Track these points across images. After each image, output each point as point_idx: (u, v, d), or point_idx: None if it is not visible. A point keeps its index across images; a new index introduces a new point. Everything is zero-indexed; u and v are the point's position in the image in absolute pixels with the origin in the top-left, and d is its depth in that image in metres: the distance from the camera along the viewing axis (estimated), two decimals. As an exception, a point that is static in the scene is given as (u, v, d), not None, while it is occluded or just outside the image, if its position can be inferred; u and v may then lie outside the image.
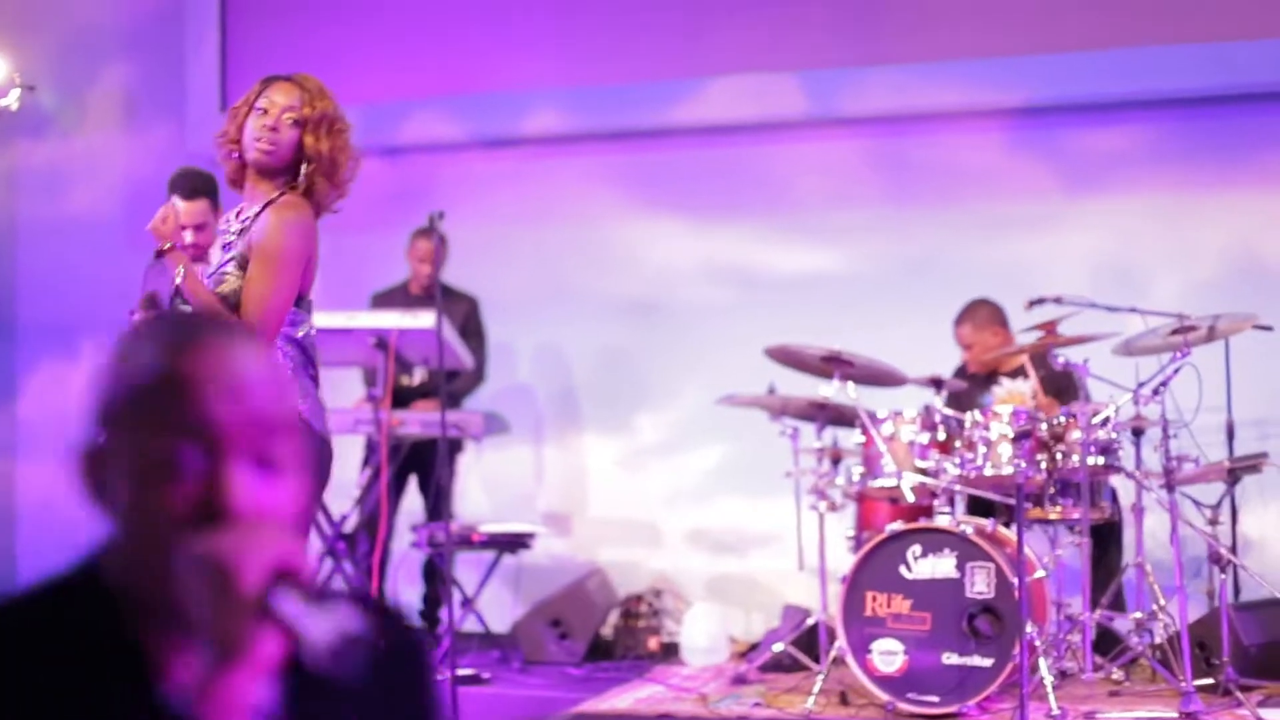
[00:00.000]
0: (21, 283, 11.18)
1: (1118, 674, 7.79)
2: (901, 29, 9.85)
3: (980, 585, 7.32)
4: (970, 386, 8.58)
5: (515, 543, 9.39)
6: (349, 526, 8.86)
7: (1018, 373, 8.54)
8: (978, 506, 8.06)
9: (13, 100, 10.41)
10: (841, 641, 7.50)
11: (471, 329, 9.71)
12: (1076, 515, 7.55)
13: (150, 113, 11.06)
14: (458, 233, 9.44)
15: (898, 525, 7.57)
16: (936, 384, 8.08)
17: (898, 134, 9.98)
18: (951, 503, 7.61)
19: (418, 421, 8.95)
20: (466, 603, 9.24)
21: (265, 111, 5.26)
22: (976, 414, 7.56)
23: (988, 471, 7.47)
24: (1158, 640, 7.69)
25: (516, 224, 10.41)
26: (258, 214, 5.22)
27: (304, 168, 5.25)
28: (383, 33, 10.59)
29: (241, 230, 5.23)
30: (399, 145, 10.38)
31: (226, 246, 5.26)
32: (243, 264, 5.16)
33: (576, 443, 10.39)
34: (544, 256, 10.43)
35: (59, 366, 10.88)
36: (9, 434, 11.05)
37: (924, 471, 7.62)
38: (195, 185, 6.85)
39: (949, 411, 7.77)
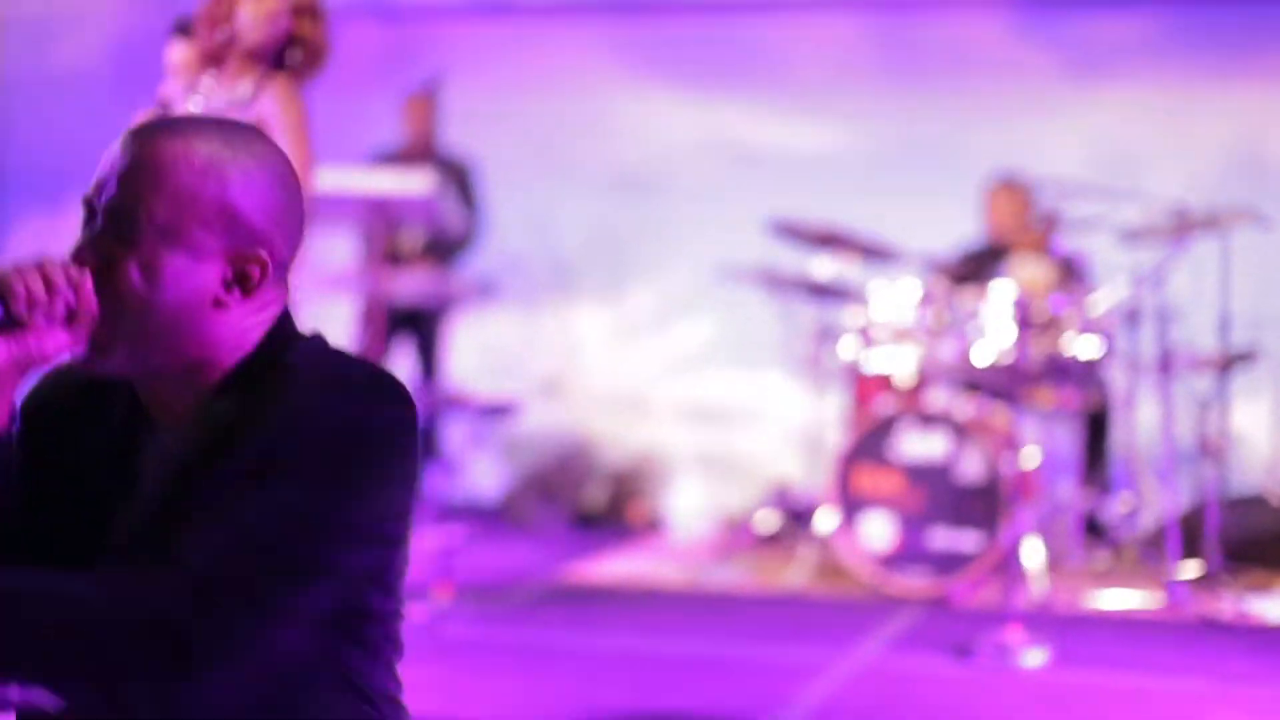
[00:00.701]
0: (9, 135, 11.08)
1: (1103, 560, 7.82)
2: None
3: (971, 466, 7.33)
4: (983, 263, 8.50)
5: (505, 410, 9.37)
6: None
7: (1027, 254, 8.49)
8: (972, 387, 8.05)
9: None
10: (831, 517, 7.51)
11: (464, 195, 9.64)
12: (1070, 401, 7.55)
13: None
14: (454, 98, 9.36)
15: (890, 404, 7.57)
16: (935, 262, 8.05)
17: (903, 13, 9.90)
18: (945, 383, 7.60)
19: (411, 285, 8.89)
20: (454, 469, 9.24)
21: None
22: (974, 295, 7.53)
23: (983, 353, 7.44)
24: (1145, 529, 7.71)
25: (514, 92, 10.32)
26: (255, 92, 5.24)
27: (295, 52, 5.33)
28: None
29: (230, 104, 5.22)
30: (398, 6, 10.29)
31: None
32: None
33: (569, 313, 10.36)
34: (541, 126, 10.36)
35: (46, 218, 10.79)
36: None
37: (919, 351, 7.60)
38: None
39: (945, 290, 7.74)
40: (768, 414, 9.56)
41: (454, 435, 9.71)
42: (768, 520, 8.38)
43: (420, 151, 9.42)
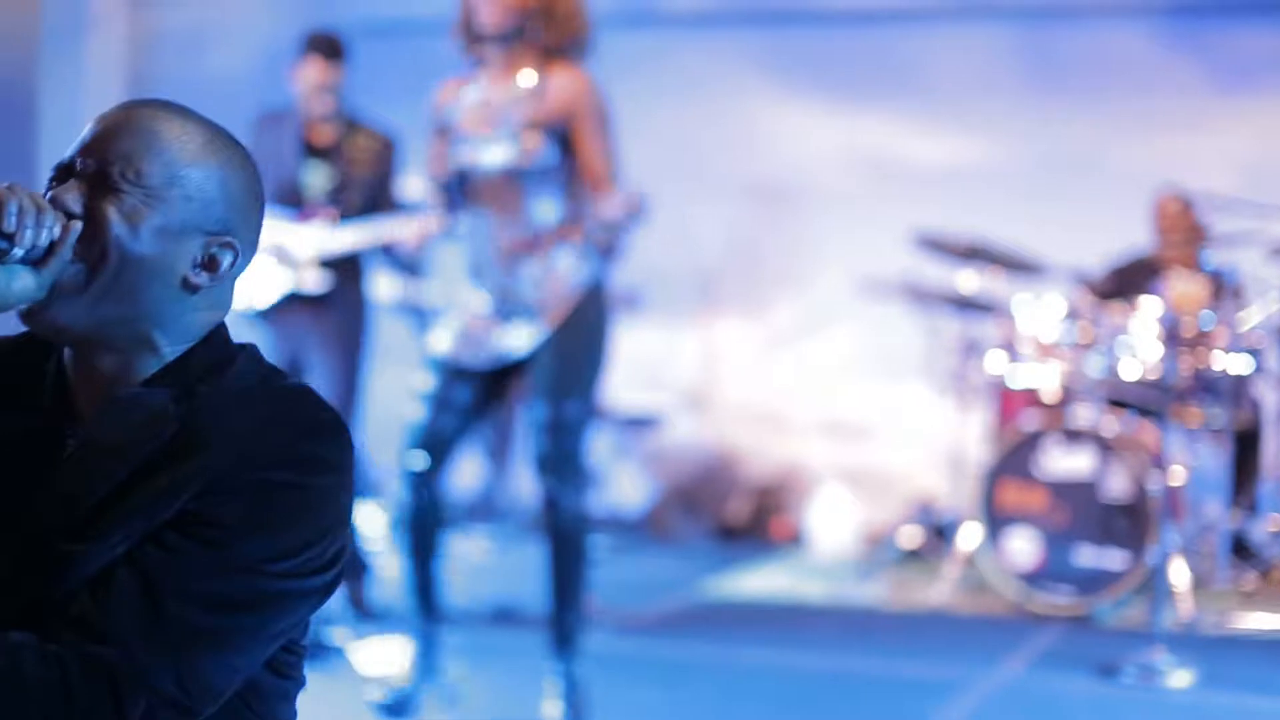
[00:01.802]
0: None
1: (1251, 581, 7.71)
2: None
3: (1117, 484, 7.25)
4: (1131, 277, 8.37)
5: (648, 422, 9.40)
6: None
7: (1177, 269, 8.37)
8: (1119, 403, 7.96)
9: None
10: (974, 534, 7.46)
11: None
12: (1218, 418, 7.45)
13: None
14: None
15: (1035, 419, 7.51)
16: (1082, 277, 7.97)
17: (1046, 24, 9.81)
18: (1091, 399, 7.51)
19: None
20: (598, 481, 9.26)
21: None
22: (1122, 309, 7.44)
23: (1130, 369, 7.35)
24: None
25: (655, 103, 10.32)
26: (540, 82, 5.32)
27: (536, 28, 5.34)
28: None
29: (517, 100, 5.30)
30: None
31: (493, 118, 5.29)
32: (529, 130, 5.26)
33: (711, 325, 10.34)
34: (683, 137, 10.35)
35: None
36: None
37: (1064, 366, 7.52)
38: (335, 47, 7.00)
39: (1092, 305, 7.65)
40: (911, 429, 9.50)
41: (598, 447, 9.73)
42: (910, 536, 8.33)
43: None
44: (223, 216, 2.25)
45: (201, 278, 2.24)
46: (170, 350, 2.25)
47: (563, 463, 5.29)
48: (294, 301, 6.92)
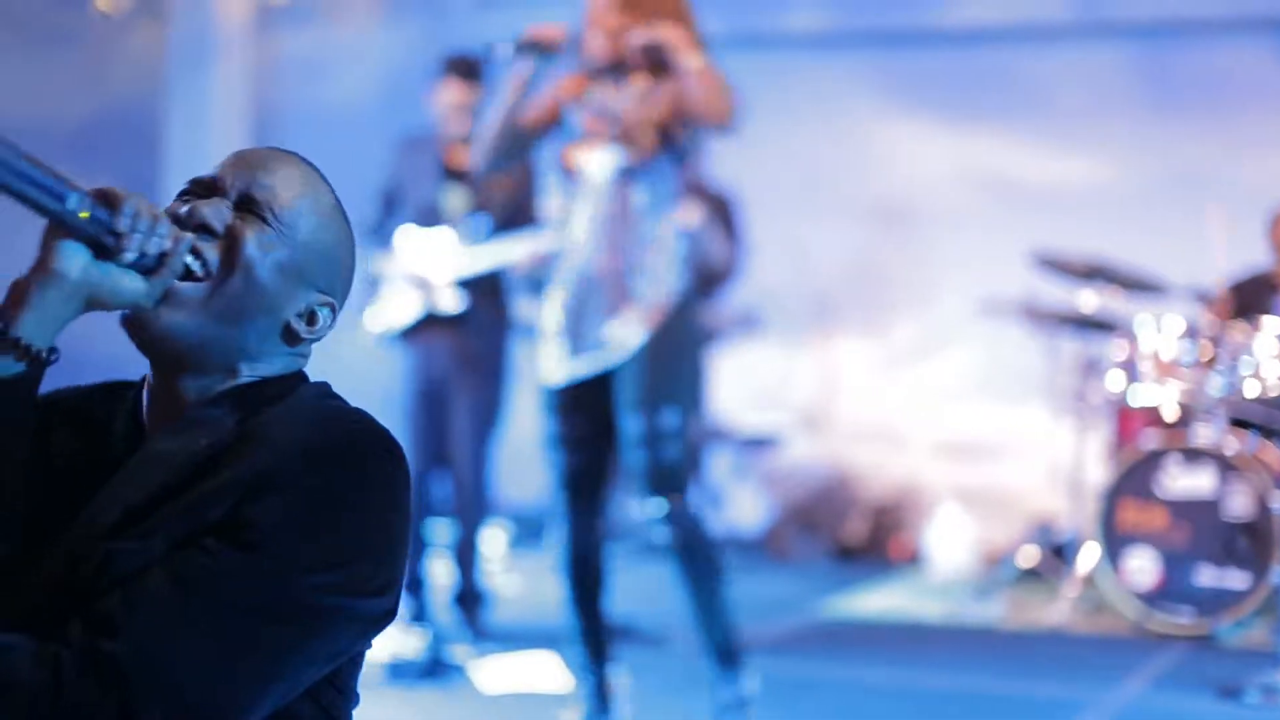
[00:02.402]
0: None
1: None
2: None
3: (1239, 503, 7.21)
4: (1252, 294, 8.31)
5: (767, 442, 9.42)
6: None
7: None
8: (1240, 422, 7.90)
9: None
10: (1093, 553, 7.43)
11: (726, 226, 9.69)
12: (1343, 437, 7.38)
13: (409, 4, 11.17)
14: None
15: (1156, 439, 7.47)
16: (1202, 296, 7.92)
17: (1165, 42, 9.76)
18: (1212, 418, 7.46)
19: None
20: (716, 501, 9.29)
21: None
22: (1243, 328, 7.39)
23: (1252, 387, 7.30)
24: None
25: (774, 123, 10.34)
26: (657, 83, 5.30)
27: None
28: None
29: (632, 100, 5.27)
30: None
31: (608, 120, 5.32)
32: (642, 129, 5.25)
33: (829, 345, 10.35)
34: (801, 157, 10.38)
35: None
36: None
37: (1185, 385, 7.47)
38: (473, 69, 7.05)
39: (1212, 323, 7.59)
40: (1030, 448, 9.46)
41: (717, 467, 9.76)
42: (1029, 555, 8.30)
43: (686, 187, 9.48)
44: (332, 278, 2.32)
45: (301, 328, 2.29)
46: (248, 379, 2.28)
47: (666, 477, 5.21)
48: (431, 323, 6.99)
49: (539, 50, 5.18)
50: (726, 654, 5.28)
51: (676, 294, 5.27)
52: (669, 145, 5.29)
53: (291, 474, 2.10)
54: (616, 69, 5.29)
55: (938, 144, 10.15)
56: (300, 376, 2.33)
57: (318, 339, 2.32)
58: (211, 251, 2.20)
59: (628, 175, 5.26)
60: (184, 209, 2.22)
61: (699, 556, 5.25)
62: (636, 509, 9.39)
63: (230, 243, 2.21)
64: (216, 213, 2.22)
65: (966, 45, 10.09)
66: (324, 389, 2.32)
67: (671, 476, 5.21)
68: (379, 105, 10.91)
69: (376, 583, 2.14)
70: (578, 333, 5.27)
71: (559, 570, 5.37)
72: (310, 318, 2.29)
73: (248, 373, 2.26)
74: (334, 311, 2.32)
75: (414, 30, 11.00)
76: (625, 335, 5.22)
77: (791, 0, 10.29)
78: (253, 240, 2.21)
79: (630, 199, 5.27)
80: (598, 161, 5.28)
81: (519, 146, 5.41)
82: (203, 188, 2.26)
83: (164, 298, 2.17)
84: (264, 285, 2.22)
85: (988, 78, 10.07)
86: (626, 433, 5.23)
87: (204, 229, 2.21)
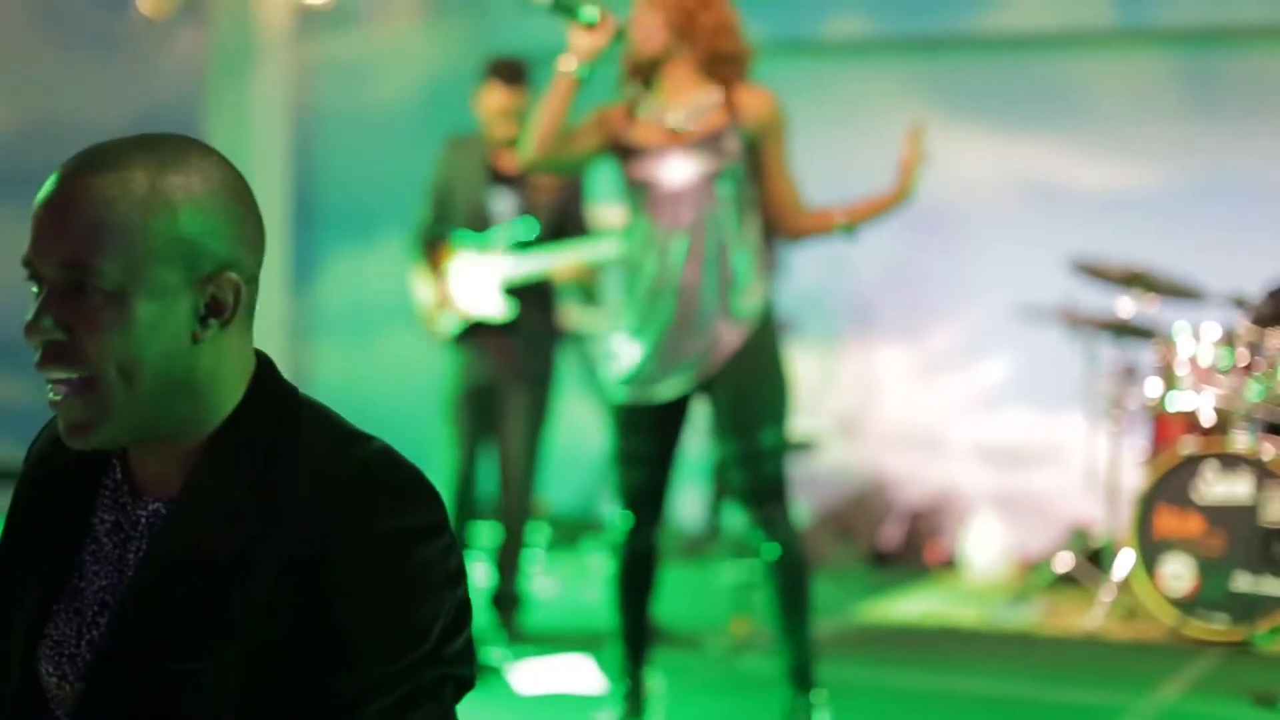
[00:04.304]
0: (323, 172, 11.41)
1: None
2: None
3: (1276, 509, 7.20)
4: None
5: (804, 447, 9.42)
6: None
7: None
8: (1276, 429, 7.89)
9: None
10: (1130, 559, 7.43)
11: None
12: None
13: (451, 6, 11.19)
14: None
15: (1192, 445, 7.46)
16: (1240, 302, 7.91)
17: (1208, 47, 9.73)
18: (1249, 424, 7.46)
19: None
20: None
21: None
22: (1280, 335, 7.38)
23: (1290, 394, 7.30)
24: None
25: (812, 128, 10.34)
26: (728, 96, 5.27)
27: (684, 48, 5.28)
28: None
29: (702, 111, 5.25)
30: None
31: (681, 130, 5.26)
32: (722, 139, 5.22)
33: (867, 350, 10.34)
34: (839, 161, 10.36)
35: (357, 254, 11.12)
36: (309, 318, 11.33)
37: (1222, 391, 7.46)
38: (518, 72, 7.04)
39: (1250, 330, 7.59)
40: (1067, 454, 9.44)
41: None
42: (1065, 561, 8.30)
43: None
44: (206, 254, 2.00)
45: (210, 327, 2.01)
46: (216, 411, 2.04)
47: (767, 493, 5.21)
48: (481, 329, 7.00)
49: (574, 14, 5.11)
50: (803, 673, 5.30)
51: (765, 304, 5.29)
52: (746, 150, 5.28)
53: (349, 569, 1.97)
54: (655, 64, 5.29)
55: (978, 149, 10.13)
56: (279, 396, 2.09)
57: (243, 314, 2.05)
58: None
59: (710, 181, 5.22)
60: (28, 320, 1.98)
61: (794, 572, 5.26)
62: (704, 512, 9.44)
63: (79, 353, 1.97)
64: (49, 325, 1.97)
65: (1007, 51, 10.07)
66: (324, 420, 2.10)
67: (774, 491, 5.23)
68: (421, 109, 10.95)
69: (461, 626, 2.07)
70: (665, 351, 5.21)
71: (613, 572, 5.37)
72: (213, 308, 2.01)
73: (207, 411, 2.03)
74: (236, 280, 2.02)
75: (456, 32, 11.02)
76: (719, 352, 5.20)
77: (832, 6, 10.29)
78: (97, 336, 1.96)
79: (715, 207, 5.23)
80: (674, 170, 5.23)
81: (568, 156, 5.32)
82: (30, 274, 2.00)
83: (71, 421, 2.00)
84: (146, 355, 1.97)
85: (1029, 84, 10.04)
86: (726, 452, 5.24)
87: (49, 349, 1.98)
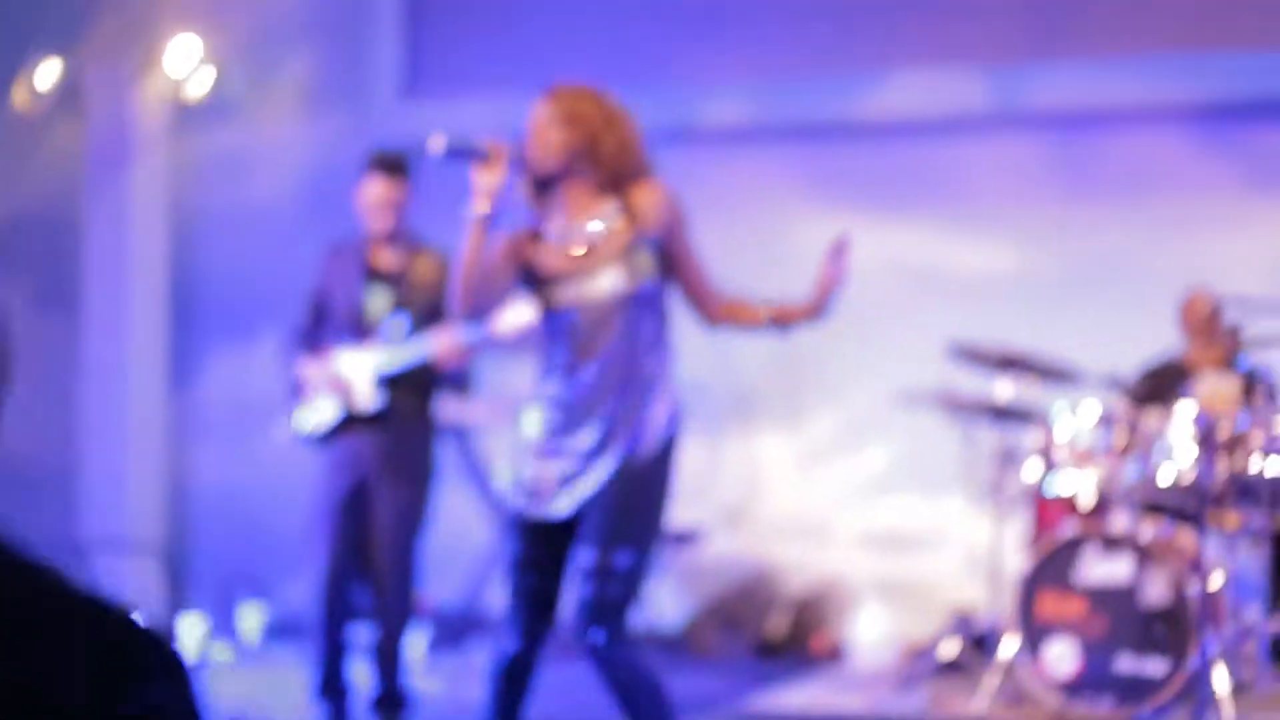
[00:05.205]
0: (202, 269, 11.30)
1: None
2: (1086, 23, 9.70)
3: (1155, 590, 7.20)
4: (1165, 381, 8.32)
5: (688, 538, 9.38)
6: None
7: (1211, 371, 8.32)
8: (1155, 509, 7.91)
9: (200, 89, 10.56)
10: (1013, 644, 7.41)
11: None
12: (1255, 521, 7.39)
13: (332, 101, 11.13)
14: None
15: (1072, 527, 7.47)
16: (1116, 383, 7.95)
17: (1082, 130, 9.82)
18: (1129, 505, 7.47)
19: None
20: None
21: None
22: (1157, 414, 7.41)
23: (1167, 474, 7.30)
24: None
25: (691, 214, 10.36)
26: (624, 204, 5.30)
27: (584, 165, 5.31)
28: (562, 22, 10.59)
29: (608, 225, 5.25)
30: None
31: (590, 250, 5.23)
32: (634, 252, 5.21)
33: (750, 440, 10.32)
34: (718, 250, 10.32)
35: (237, 352, 11.00)
36: (189, 417, 11.20)
37: (1101, 472, 7.48)
38: (399, 165, 7.04)
39: (1127, 410, 7.61)
40: (949, 539, 9.45)
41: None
42: (950, 647, 8.27)
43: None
44: None
45: None
46: None
47: (601, 613, 5.10)
48: (353, 424, 6.95)
49: (471, 155, 5.11)
50: None
51: (670, 422, 5.23)
52: (658, 254, 5.27)
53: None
54: (555, 181, 5.27)
55: (856, 234, 10.08)
56: None
57: None
58: None
59: (623, 300, 5.17)
60: None
61: (638, 696, 5.17)
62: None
63: None
64: None
65: (882, 137, 10.11)
66: (10, 568, 1.78)
67: (610, 614, 5.12)
68: (302, 204, 10.86)
69: None
70: (567, 462, 5.14)
71: (490, 676, 5.29)
72: None
73: None
74: None
75: (337, 125, 10.95)
76: (606, 469, 5.13)
77: (710, 92, 10.31)
78: None
79: (628, 327, 5.18)
80: (584, 292, 5.18)
81: (493, 296, 5.26)
82: None
83: None
84: None
85: (905, 168, 10.09)
86: (581, 560, 5.15)
87: None
